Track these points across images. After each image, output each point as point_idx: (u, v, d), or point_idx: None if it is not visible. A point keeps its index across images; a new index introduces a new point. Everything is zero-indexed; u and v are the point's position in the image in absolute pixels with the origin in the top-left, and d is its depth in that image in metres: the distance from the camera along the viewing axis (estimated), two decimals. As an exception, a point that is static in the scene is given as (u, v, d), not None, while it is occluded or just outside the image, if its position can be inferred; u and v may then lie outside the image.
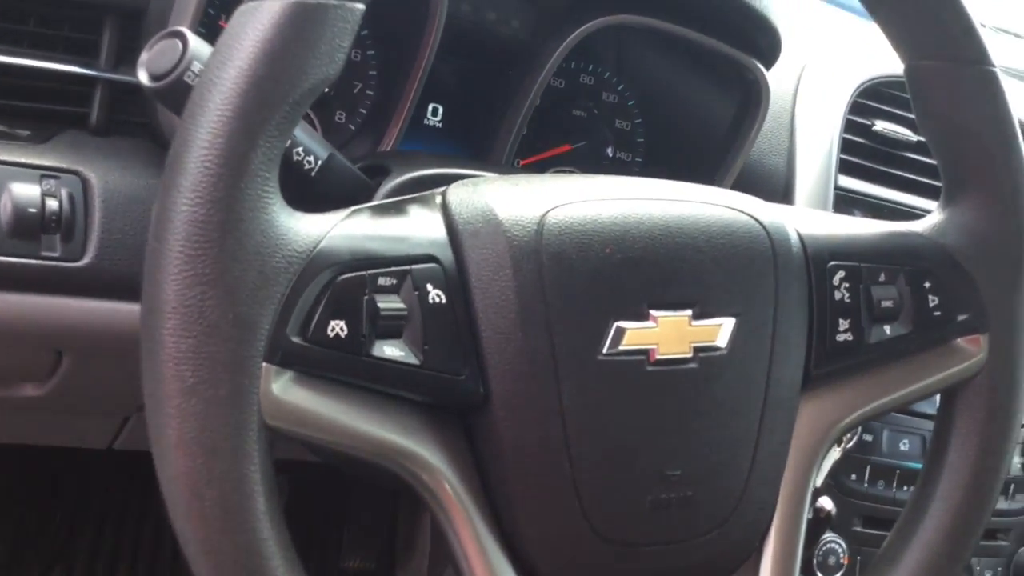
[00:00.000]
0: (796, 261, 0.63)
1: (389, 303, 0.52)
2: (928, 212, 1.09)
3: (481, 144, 0.94)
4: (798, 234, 0.65)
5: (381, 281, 0.53)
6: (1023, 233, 0.68)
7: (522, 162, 0.99)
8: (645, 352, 0.58)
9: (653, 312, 0.58)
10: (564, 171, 1.00)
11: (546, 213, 0.57)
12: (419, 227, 0.56)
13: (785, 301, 0.62)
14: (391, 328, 0.52)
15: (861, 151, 1.08)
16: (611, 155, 1.02)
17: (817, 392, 0.65)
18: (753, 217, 0.63)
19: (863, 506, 1.02)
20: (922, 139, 1.10)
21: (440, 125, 0.97)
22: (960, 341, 0.68)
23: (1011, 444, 0.68)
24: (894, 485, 1.03)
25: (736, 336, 0.60)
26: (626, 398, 0.57)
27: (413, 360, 0.53)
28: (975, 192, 0.68)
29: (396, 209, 0.57)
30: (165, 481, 0.48)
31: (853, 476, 1.01)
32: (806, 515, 0.65)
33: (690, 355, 0.59)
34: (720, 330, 0.60)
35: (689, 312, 0.59)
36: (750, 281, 0.61)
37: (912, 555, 0.67)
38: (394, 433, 0.54)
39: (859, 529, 1.01)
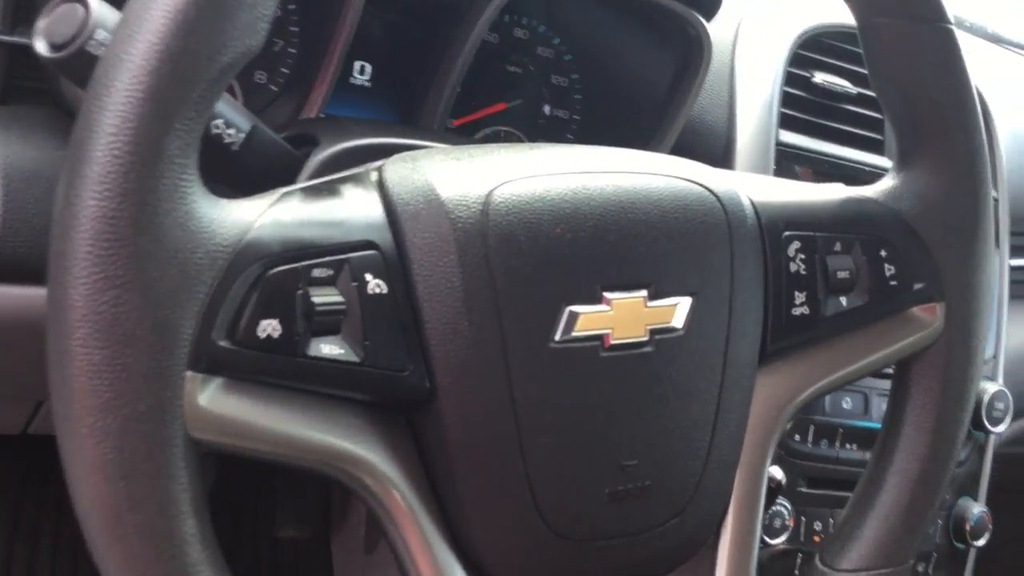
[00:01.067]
0: (751, 232, 0.61)
1: (325, 297, 0.48)
2: (870, 166, 1.09)
3: (413, 103, 0.89)
4: (751, 203, 0.62)
5: (316, 273, 0.48)
6: (979, 198, 0.66)
7: (456, 122, 0.94)
8: (599, 337, 0.54)
9: (607, 294, 0.55)
10: (503, 131, 0.96)
11: (491, 191, 0.53)
12: (355, 210, 0.52)
13: (741, 276, 0.60)
14: (328, 324, 0.48)
15: (802, 105, 1.05)
16: (548, 113, 0.98)
17: (772, 368, 0.63)
18: (706, 187, 0.60)
19: (807, 467, 1.01)
20: (863, 91, 1.09)
21: (369, 84, 0.91)
22: (916, 310, 0.66)
23: (967, 414, 0.67)
24: (837, 443, 1.03)
25: (692, 315, 0.57)
26: (580, 386, 0.54)
27: (353, 357, 0.49)
28: (930, 156, 0.66)
29: (329, 190, 0.52)
30: (82, 507, 0.43)
31: (797, 437, 1.00)
32: (763, 493, 0.63)
33: (646, 338, 0.56)
34: (676, 310, 0.57)
35: (644, 293, 0.56)
36: (706, 257, 0.58)
37: (869, 530, 0.66)
38: (335, 436, 0.50)
39: (804, 490, 1.00)
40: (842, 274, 0.64)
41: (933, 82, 0.65)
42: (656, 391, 0.57)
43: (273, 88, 0.86)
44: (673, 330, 0.57)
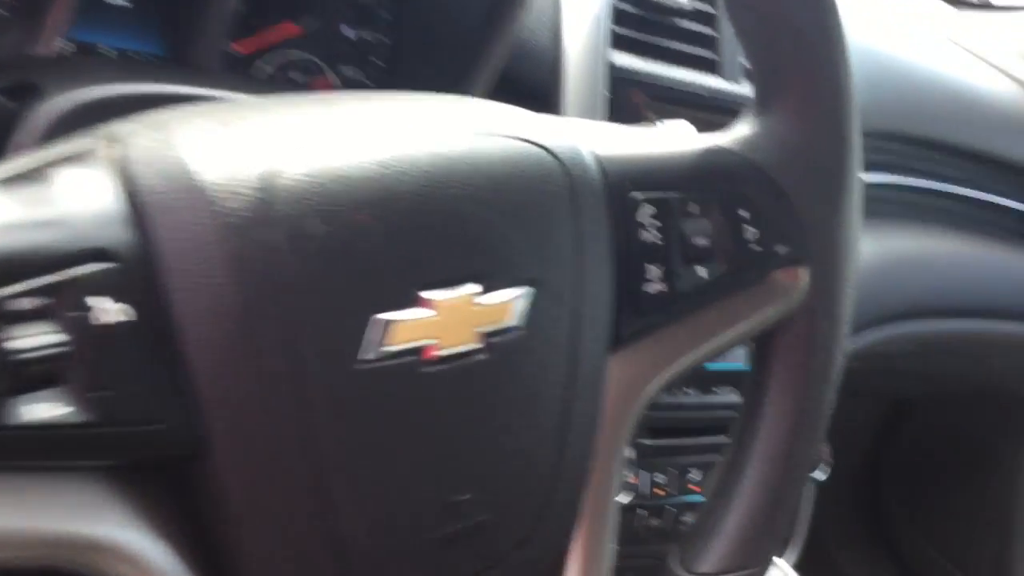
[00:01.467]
0: (598, 199, 0.51)
1: (32, 338, 0.34)
2: (706, 89, 1.01)
3: (183, 26, 0.74)
4: (597, 161, 0.52)
5: (15, 305, 0.34)
6: (844, 143, 0.58)
7: (237, 47, 0.79)
8: (419, 350, 0.43)
9: (426, 295, 0.43)
10: (296, 58, 0.81)
11: (272, 170, 0.40)
12: (79, 204, 0.38)
13: (588, 252, 0.50)
14: (41, 376, 0.35)
15: (633, 22, 0.95)
16: (351, 36, 0.84)
17: (623, 355, 0.53)
18: (544, 147, 0.49)
19: (648, 416, 0.93)
20: (697, 5, 1.00)
21: (126, 2, 0.75)
22: (778, 275, 0.58)
23: (832, 387, 0.60)
24: (676, 389, 0.96)
25: (533, 308, 0.47)
26: (397, 413, 0.43)
27: (81, 417, 0.36)
28: (793, 96, 0.57)
29: (38, 177, 0.38)
30: None
31: (637, 388, 0.93)
32: (616, 494, 0.55)
33: (479, 344, 0.45)
34: (513, 305, 0.46)
35: (474, 288, 0.45)
36: (546, 235, 0.48)
37: (730, 527, 0.58)
38: (67, 520, 0.37)
39: (646, 442, 0.94)
40: (700, 241, 0.55)
41: (796, 10, 0.56)
42: (493, 406, 0.46)
43: (1, 13, 0.69)
44: (511, 329, 0.46)
